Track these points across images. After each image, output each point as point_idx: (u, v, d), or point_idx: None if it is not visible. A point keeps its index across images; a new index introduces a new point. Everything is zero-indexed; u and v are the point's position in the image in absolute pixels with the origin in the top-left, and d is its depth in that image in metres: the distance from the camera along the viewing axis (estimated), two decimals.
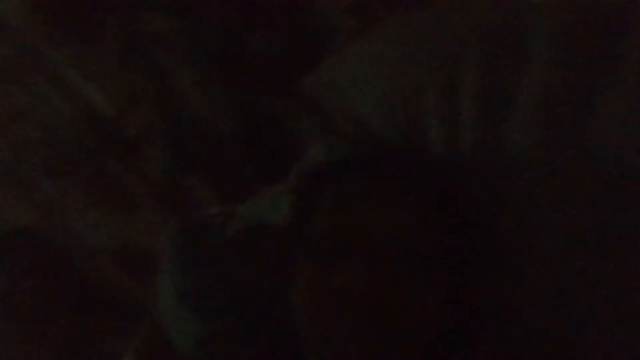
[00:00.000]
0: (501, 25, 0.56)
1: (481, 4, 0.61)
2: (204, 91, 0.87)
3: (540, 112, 0.50)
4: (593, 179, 0.47)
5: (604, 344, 0.49)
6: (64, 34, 0.91)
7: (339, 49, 0.76)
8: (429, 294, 0.48)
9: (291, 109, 0.84)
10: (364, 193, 0.51)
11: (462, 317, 0.52)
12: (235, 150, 0.93)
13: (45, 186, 1.21)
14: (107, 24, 0.89)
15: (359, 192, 0.51)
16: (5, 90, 1.01)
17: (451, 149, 0.58)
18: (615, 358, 0.49)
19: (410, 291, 0.47)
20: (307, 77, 0.75)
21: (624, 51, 0.45)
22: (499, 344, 0.54)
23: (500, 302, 0.54)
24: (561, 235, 0.50)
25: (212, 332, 0.62)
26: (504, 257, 0.54)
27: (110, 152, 1.04)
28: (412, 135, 0.63)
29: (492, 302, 0.55)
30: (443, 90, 0.57)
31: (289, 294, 0.53)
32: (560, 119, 0.50)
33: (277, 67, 0.81)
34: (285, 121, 0.86)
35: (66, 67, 0.91)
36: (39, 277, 1.95)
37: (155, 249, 1.30)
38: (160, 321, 0.70)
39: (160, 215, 1.16)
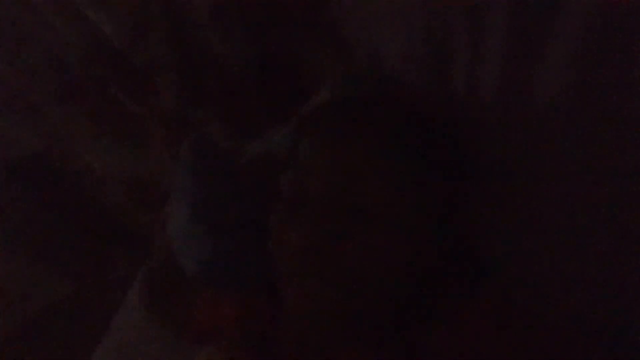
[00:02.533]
0: None
1: None
2: (216, 21, 0.84)
3: (570, 63, 0.48)
4: (619, 135, 0.45)
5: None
6: None
7: None
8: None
9: (309, 41, 0.81)
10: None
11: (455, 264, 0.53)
12: (247, 84, 0.91)
13: (54, 113, 1.20)
14: None
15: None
16: (10, 14, 0.98)
17: (473, 92, 0.56)
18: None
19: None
20: (327, 6, 0.72)
21: None
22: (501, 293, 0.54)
23: (510, 248, 0.54)
24: (581, 186, 0.49)
25: (216, 251, 0.63)
26: (519, 204, 0.53)
27: (118, 82, 1.02)
28: (432, 73, 0.61)
29: (500, 248, 0.54)
30: (470, 31, 0.54)
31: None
32: (590, 72, 0.47)
33: None
34: (302, 55, 0.83)
35: None
36: (50, 203, 1.99)
37: (165, 180, 1.32)
38: (168, 247, 0.72)
39: (170, 148, 1.16)
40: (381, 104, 0.54)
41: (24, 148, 1.61)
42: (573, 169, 0.50)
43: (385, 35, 0.64)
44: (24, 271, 1.91)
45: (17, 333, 1.91)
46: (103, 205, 1.64)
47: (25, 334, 1.91)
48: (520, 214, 0.54)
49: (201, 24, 0.86)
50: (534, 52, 0.51)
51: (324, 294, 0.45)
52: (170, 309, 0.78)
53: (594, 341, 0.48)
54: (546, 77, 0.50)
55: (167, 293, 0.79)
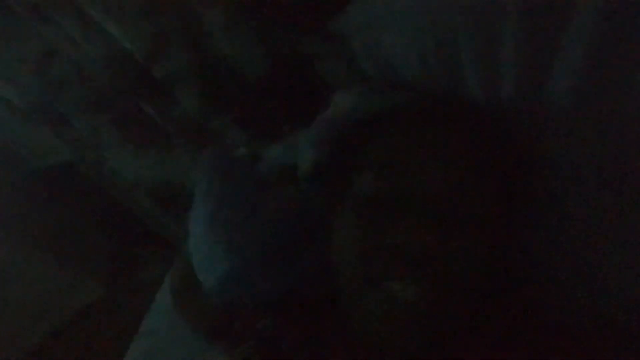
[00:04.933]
0: None
1: None
2: (232, 32, 0.85)
3: (584, 61, 0.47)
4: (632, 131, 0.45)
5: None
6: None
7: None
8: (471, 250, 0.46)
9: (320, 51, 0.82)
10: (410, 146, 0.49)
11: (504, 273, 0.52)
12: (263, 92, 0.92)
13: (83, 123, 1.23)
14: None
15: (406, 145, 0.49)
16: (36, 30, 1.01)
17: (490, 96, 0.56)
18: None
19: (455, 248, 0.45)
20: (336, 17, 0.72)
21: None
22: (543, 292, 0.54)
23: (540, 246, 0.54)
24: (600, 185, 0.49)
25: (234, 267, 0.62)
26: (542, 204, 0.53)
27: (140, 93, 1.04)
28: (447, 81, 0.60)
29: (532, 256, 0.54)
30: (482, 36, 0.54)
31: (323, 245, 0.54)
32: (604, 69, 0.47)
33: (306, 7, 0.78)
34: (314, 64, 0.84)
35: (92, 8, 0.89)
36: (81, 209, 2.04)
37: (188, 186, 1.34)
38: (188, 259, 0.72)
39: (191, 155, 1.18)
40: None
41: (55, 157, 1.66)
42: (595, 168, 0.49)
43: (395, 45, 0.64)
44: (58, 276, 1.97)
45: (52, 336, 1.97)
46: (131, 210, 1.68)
47: (59, 337, 1.97)
48: (545, 214, 0.53)
49: (216, 35, 0.87)
50: (547, 54, 0.50)
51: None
52: (190, 309, 0.79)
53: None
54: (561, 78, 0.50)
55: (188, 294, 0.80)
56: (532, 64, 0.52)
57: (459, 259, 0.45)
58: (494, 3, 0.52)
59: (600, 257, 0.50)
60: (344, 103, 0.64)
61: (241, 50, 0.87)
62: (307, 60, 0.84)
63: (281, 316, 0.61)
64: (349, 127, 0.61)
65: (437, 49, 0.59)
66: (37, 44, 1.06)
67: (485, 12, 0.53)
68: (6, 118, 1.42)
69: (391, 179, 0.48)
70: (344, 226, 0.51)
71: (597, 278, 0.50)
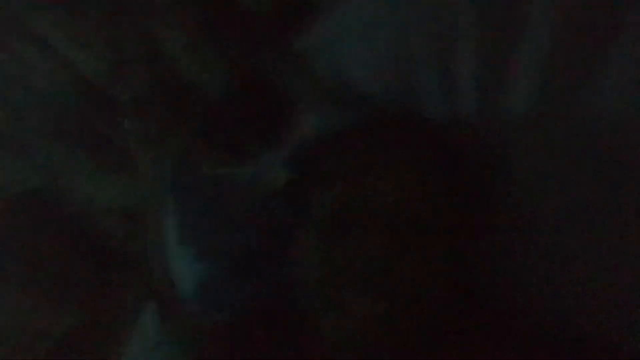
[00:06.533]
0: None
1: None
2: (194, 54, 0.85)
3: (539, 78, 0.48)
4: (592, 147, 0.46)
5: (603, 312, 0.49)
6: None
7: (332, 8, 0.72)
8: (433, 261, 0.47)
9: (283, 70, 0.82)
10: (365, 164, 0.50)
11: (466, 281, 0.53)
12: (227, 113, 0.92)
13: (47, 150, 1.21)
14: None
15: (361, 163, 0.51)
16: None
17: (450, 115, 0.57)
18: (613, 326, 0.49)
19: (415, 260, 0.46)
20: (299, 37, 0.73)
21: (628, 20, 0.42)
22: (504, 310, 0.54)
23: (502, 264, 0.54)
24: (561, 201, 0.50)
25: (206, 272, 0.64)
26: (504, 221, 0.54)
27: (105, 117, 1.03)
28: (408, 100, 0.61)
29: (495, 265, 0.55)
30: (441, 56, 0.55)
31: (288, 255, 0.54)
32: (559, 85, 0.48)
33: (268, 27, 0.79)
34: (277, 84, 0.84)
35: (52, 33, 0.88)
36: (51, 237, 2.00)
37: (158, 207, 1.32)
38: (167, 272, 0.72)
39: (160, 176, 1.16)
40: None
41: (21, 185, 1.63)
42: (554, 175, 0.50)
43: (355, 62, 0.65)
44: (33, 306, 1.92)
45: None
46: (103, 236, 1.65)
47: None
48: (508, 222, 0.54)
49: (178, 57, 0.87)
50: (504, 73, 0.51)
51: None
52: (176, 333, 0.78)
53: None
54: (518, 96, 0.50)
55: (172, 318, 0.79)
56: (489, 77, 0.52)
57: (419, 270, 0.46)
58: (448, 19, 0.53)
59: (565, 265, 0.51)
60: (310, 123, 0.65)
61: (202, 70, 0.87)
62: (270, 78, 0.84)
63: (253, 333, 0.60)
64: (316, 147, 0.61)
65: (394, 66, 0.60)
66: None
67: (439, 28, 0.54)
68: None
69: (348, 196, 0.49)
70: (306, 245, 0.51)
71: (561, 285, 0.51)
